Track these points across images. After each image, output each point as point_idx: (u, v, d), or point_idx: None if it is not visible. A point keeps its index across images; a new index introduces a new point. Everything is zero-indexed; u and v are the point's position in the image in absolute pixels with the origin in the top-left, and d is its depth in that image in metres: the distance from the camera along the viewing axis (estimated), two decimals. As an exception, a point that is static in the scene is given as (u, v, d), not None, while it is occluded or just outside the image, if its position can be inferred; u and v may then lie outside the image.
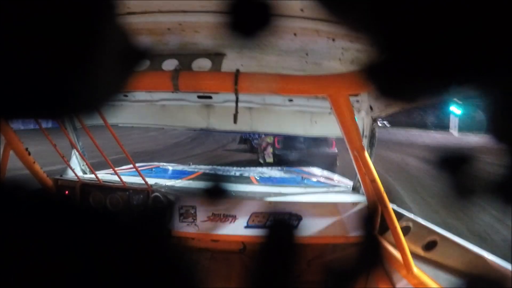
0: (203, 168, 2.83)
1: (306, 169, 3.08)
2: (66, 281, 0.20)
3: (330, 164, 6.16)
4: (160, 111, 2.00)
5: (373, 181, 1.16)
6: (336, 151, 7.15)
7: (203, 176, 2.37)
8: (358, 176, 1.43)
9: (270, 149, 7.64)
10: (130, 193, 1.63)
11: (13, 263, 0.19)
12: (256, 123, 2.00)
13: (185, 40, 0.95)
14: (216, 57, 1.02)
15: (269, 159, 7.55)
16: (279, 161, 6.91)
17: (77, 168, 1.95)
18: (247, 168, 3.01)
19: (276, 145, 7.49)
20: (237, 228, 1.52)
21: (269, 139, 7.66)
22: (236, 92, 0.96)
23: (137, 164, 1.69)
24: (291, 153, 7.27)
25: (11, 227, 0.20)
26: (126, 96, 1.74)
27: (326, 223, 1.51)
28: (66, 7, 0.16)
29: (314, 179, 2.45)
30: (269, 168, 3.32)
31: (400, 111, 1.33)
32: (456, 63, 0.17)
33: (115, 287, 0.21)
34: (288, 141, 7.34)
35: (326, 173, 2.80)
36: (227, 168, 3.04)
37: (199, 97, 1.70)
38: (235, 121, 1.04)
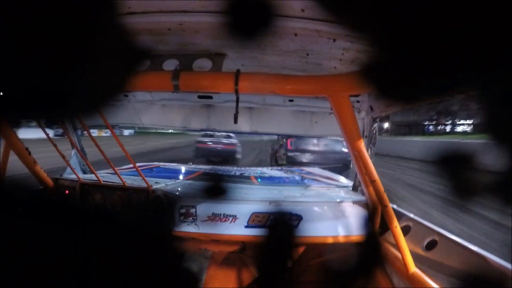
0: (203, 168, 2.83)
1: (306, 169, 3.09)
2: (66, 281, 0.20)
3: (343, 166, 6.05)
4: (161, 111, 2.00)
5: (373, 181, 1.16)
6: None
7: (203, 176, 2.37)
8: (358, 176, 1.43)
9: (282, 151, 7.56)
10: (130, 193, 1.63)
11: (13, 263, 0.19)
12: (256, 123, 2.00)
13: (185, 40, 0.95)
14: (217, 57, 1.02)
15: (281, 161, 7.46)
16: (292, 163, 6.82)
17: (77, 168, 1.95)
18: (247, 168, 3.02)
19: (289, 146, 7.41)
20: (237, 228, 1.52)
21: (281, 141, 7.63)
22: (237, 92, 0.96)
23: (137, 164, 1.69)
24: (303, 155, 7.19)
25: (11, 227, 0.20)
26: (127, 96, 1.74)
27: (326, 223, 1.51)
28: (67, 8, 0.16)
29: (314, 179, 2.45)
30: (269, 168, 3.33)
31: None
32: (456, 63, 0.17)
33: (115, 286, 0.21)
34: (301, 142, 7.25)
35: (326, 173, 2.81)
36: (227, 168, 3.04)
37: (199, 97, 1.71)
38: (235, 121, 1.04)
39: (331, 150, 7.07)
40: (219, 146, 9.37)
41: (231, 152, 9.44)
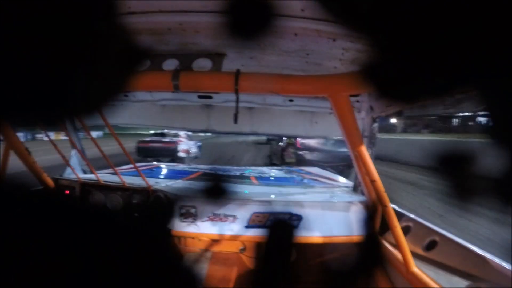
0: (203, 168, 2.84)
1: (306, 169, 3.09)
2: (66, 281, 0.20)
3: (347, 164, 6.20)
4: (161, 111, 2.01)
5: (373, 181, 1.16)
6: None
7: (204, 176, 2.38)
8: (359, 176, 1.43)
9: (291, 150, 7.88)
10: (131, 193, 1.63)
11: (13, 263, 0.19)
12: (256, 123, 2.01)
13: (185, 40, 0.95)
14: (217, 57, 1.02)
15: (290, 160, 7.78)
16: (300, 162, 7.09)
17: (77, 168, 1.95)
18: (248, 168, 3.02)
19: (298, 145, 7.74)
20: (238, 228, 1.52)
21: (289, 140, 7.94)
22: (237, 92, 0.96)
23: (137, 164, 1.70)
24: (312, 154, 7.51)
25: (11, 226, 0.20)
26: (127, 96, 1.74)
27: (326, 223, 1.51)
28: (67, 8, 0.16)
29: (314, 179, 2.45)
30: (269, 168, 3.33)
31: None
32: (456, 63, 0.17)
33: (115, 286, 0.21)
34: (309, 142, 7.58)
35: (326, 173, 2.81)
36: (227, 168, 3.04)
37: (199, 97, 1.71)
38: (235, 121, 1.04)
39: (339, 150, 7.29)
40: (158, 145, 9.25)
41: (170, 150, 9.26)
